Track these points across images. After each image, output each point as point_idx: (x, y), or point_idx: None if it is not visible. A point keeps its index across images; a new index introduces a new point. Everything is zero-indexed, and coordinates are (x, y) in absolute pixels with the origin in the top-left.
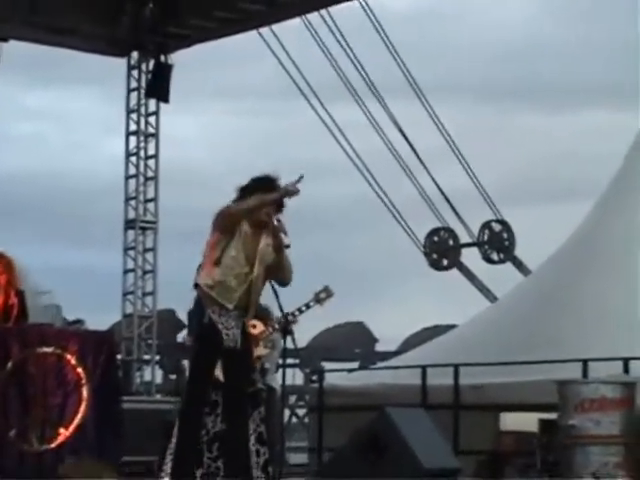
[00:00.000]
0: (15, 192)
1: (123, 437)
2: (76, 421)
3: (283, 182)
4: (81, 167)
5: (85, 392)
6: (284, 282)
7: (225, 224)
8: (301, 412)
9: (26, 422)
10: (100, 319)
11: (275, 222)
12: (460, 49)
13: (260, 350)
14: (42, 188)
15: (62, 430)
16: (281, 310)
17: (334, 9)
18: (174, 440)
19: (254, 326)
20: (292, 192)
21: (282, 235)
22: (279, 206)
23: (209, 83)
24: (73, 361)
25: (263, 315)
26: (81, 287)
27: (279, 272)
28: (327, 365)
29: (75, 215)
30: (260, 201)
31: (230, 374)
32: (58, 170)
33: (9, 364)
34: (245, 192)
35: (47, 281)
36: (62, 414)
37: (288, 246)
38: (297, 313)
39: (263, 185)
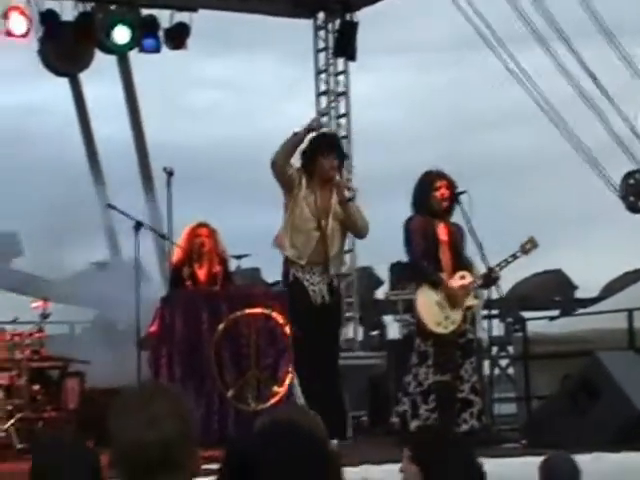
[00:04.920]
0: (200, 160)
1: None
2: (289, 379)
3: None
4: (266, 131)
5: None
6: (358, 235)
7: (278, 180)
8: (503, 363)
9: (241, 382)
10: None
11: (337, 176)
12: None
13: (470, 300)
14: (226, 155)
15: (276, 389)
16: (484, 260)
17: None
18: None
19: (463, 277)
20: (310, 127)
21: (344, 189)
22: (342, 160)
23: (388, 39)
24: (281, 320)
25: (469, 266)
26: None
27: (351, 225)
28: (526, 314)
29: (267, 178)
30: (284, 141)
31: (322, 330)
32: (242, 136)
33: (220, 326)
34: (304, 155)
35: (245, 244)
36: (275, 373)
37: (351, 199)
38: (504, 264)
39: (314, 143)
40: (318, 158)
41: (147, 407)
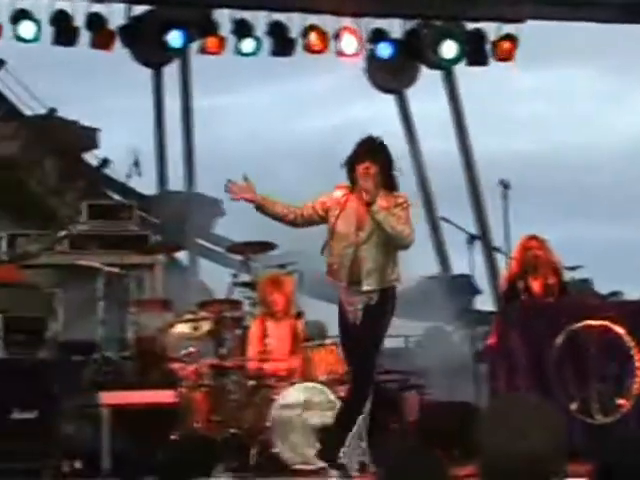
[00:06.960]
0: (527, 174)
1: None
2: (635, 391)
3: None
4: (594, 141)
5: (639, 362)
6: (396, 246)
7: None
8: None
9: (585, 395)
10: (636, 290)
11: (368, 182)
12: None
13: None
14: (556, 167)
15: (621, 401)
16: None
17: None
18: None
19: None
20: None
21: (364, 192)
22: (383, 165)
23: None
24: (622, 332)
25: None
26: (611, 259)
27: (385, 234)
28: None
29: (597, 193)
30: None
31: (351, 352)
32: (571, 146)
33: (559, 338)
34: (345, 165)
35: (576, 256)
36: (619, 385)
37: (370, 203)
38: None
39: (351, 151)
40: (354, 166)
41: (517, 418)
